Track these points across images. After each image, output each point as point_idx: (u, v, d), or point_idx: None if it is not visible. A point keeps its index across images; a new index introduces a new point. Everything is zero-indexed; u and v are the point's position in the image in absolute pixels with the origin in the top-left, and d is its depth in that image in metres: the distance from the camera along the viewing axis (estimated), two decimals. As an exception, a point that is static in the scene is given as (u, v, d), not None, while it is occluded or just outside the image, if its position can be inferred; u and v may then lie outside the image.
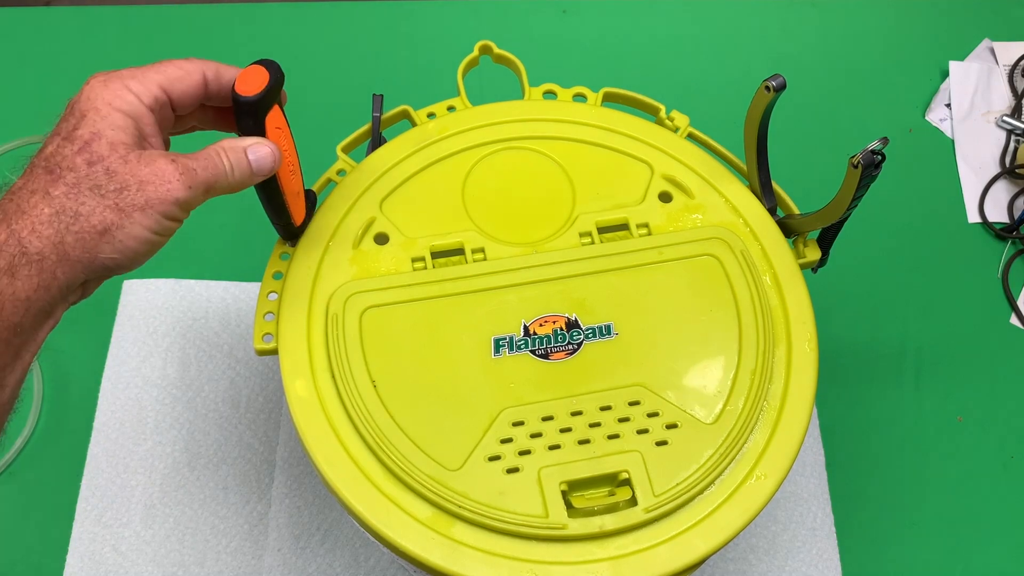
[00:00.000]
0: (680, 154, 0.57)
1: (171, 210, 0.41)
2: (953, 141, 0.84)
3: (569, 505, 0.45)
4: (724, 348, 0.50)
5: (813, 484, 0.67)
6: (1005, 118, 0.85)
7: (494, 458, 0.46)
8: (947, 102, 0.86)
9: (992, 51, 0.89)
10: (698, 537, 0.45)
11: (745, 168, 0.56)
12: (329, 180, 0.56)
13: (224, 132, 0.49)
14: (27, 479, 0.65)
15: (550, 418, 0.47)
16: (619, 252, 0.52)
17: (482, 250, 0.52)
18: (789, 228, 0.55)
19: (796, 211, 0.56)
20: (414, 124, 0.58)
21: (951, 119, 0.85)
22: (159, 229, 0.41)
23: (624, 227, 0.54)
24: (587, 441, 0.47)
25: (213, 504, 0.65)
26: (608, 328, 0.50)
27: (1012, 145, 0.84)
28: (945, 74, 0.87)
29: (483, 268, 0.51)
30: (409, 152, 0.56)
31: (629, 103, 0.60)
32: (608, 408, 0.48)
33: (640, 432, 0.47)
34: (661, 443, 0.47)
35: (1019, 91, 0.87)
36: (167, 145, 0.46)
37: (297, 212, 0.51)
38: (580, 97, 0.59)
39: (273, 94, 0.44)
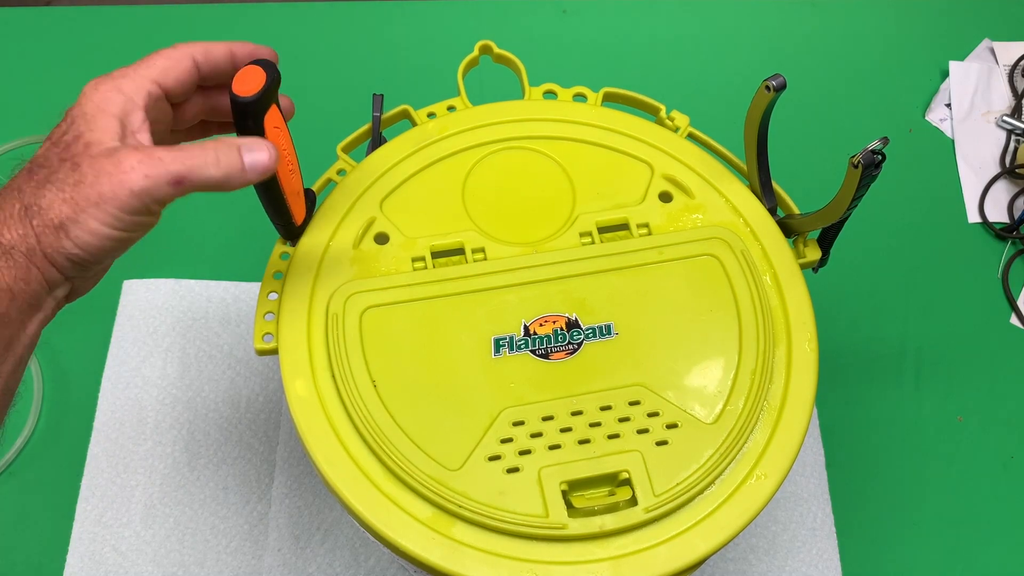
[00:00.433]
0: (680, 154, 0.57)
1: (128, 202, 0.39)
2: (953, 141, 0.84)
3: (569, 505, 0.45)
4: (724, 348, 0.50)
5: (813, 484, 0.67)
6: (1005, 118, 0.85)
7: (494, 458, 0.46)
8: (947, 102, 0.86)
9: (992, 51, 0.89)
10: (698, 537, 0.45)
11: (745, 168, 0.56)
12: (329, 180, 0.56)
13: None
14: (27, 479, 0.66)
15: (550, 418, 0.47)
16: (619, 252, 0.52)
17: (482, 250, 0.52)
18: (789, 228, 0.55)
19: (796, 211, 0.56)
20: (414, 124, 0.57)
21: (951, 119, 0.85)
22: (118, 224, 0.40)
23: (624, 227, 0.54)
24: (587, 441, 0.47)
25: (213, 504, 0.65)
26: (608, 328, 0.50)
27: (1012, 145, 0.84)
28: (945, 74, 0.87)
29: (483, 268, 0.51)
30: (409, 152, 0.56)
31: (629, 103, 0.59)
32: (608, 408, 0.47)
33: (640, 432, 0.47)
34: (661, 443, 0.47)
35: (1019, 91, 0.87)
36: (168, 141, 0.46)
37: (297, 211, 0.51)
38: (580, 97, 0.59)
39: (271, 94, 0.44)
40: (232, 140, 0.43)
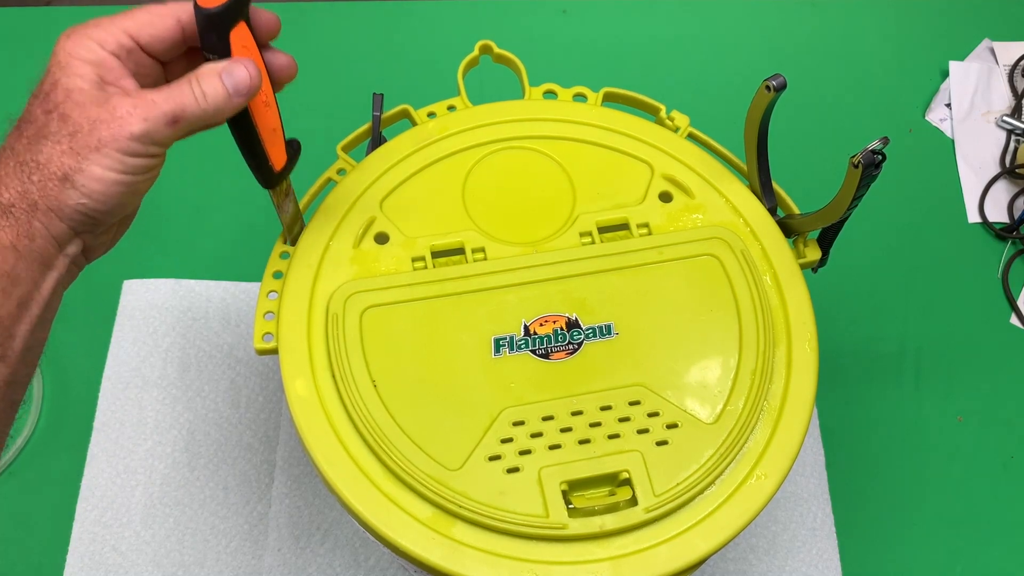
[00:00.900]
0: (680, 154, 0.57)
1: (130, 146, 0.40)
2: (953, 141, 0.84)
3: (569, 505, 0.45)
4: (724, 348, 0.50)
5: (813, 484, 0.67)
6: (1005, 118, 0.85)
7: (494, 458, 0.46)
8: (947, 102, 0.86)
9: (992, 51, 0.89)
10: (698, 537, 0.45)
11: (745, 168, 0.56)
12: (329, 180, 0.56)
13: None
14: (27, 479, 0.65)
15: (550, 418, 0.47)
16: (619, 252, 0.52)
17: (482, 250, 0.52)
18: (789, 228, 0.55)
19: (796, 211, 0.56)
20: (414, 123, 0.58)
21: (951, 119, 0.85)
22: (123, 168, 0.40)
23: (624, 227, 0.54)
24: (587, 441, 0.47)
25: (213, 504, 0.65)
26: (608, 328, 0.50)
27: (1012, 145, 0.84)
28: (945, 74, 0.87)
29: (483, 268, 0.51)
30: (409, 151, 0.56)
31: (629, 103, 0.60)
32: (608, 408, 0.48)
33: (640, 432, 0.47)
34: (661, 443, 0.47)
35: (1019, 91, 0.87)
36: None
37: (276, 153, 0.46)
38: (580, 97, 0.59)
39: (239, 5, 0.41)
40: (210, 67, 0.41)
